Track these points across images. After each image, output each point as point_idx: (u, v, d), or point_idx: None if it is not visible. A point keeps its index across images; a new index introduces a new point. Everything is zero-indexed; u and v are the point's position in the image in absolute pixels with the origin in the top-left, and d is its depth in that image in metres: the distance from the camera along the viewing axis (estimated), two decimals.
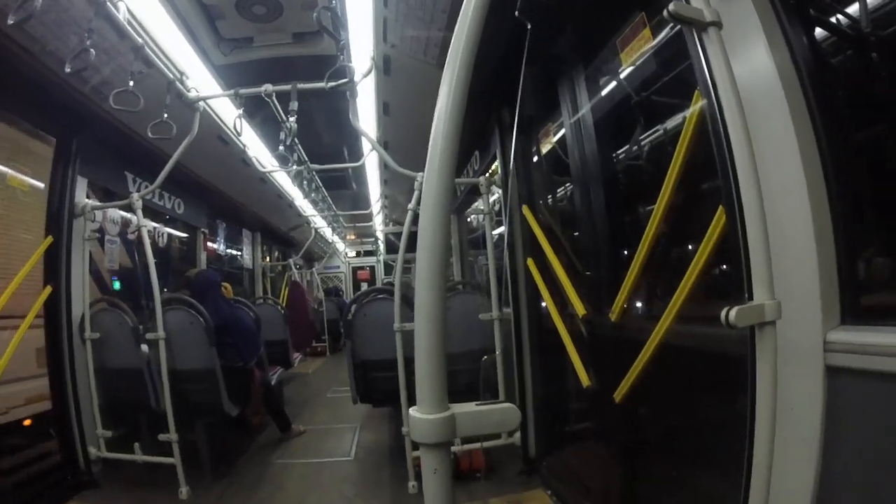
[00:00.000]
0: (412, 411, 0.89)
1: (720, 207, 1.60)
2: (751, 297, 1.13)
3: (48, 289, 3.53)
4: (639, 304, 2.38)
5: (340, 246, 15.89)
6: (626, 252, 2.50)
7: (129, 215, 4.53)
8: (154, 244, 4.84)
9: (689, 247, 2.01)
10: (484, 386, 3.66)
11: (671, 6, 1.23)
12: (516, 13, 1.09)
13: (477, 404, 0.92)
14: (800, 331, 1.26)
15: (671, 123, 2.41)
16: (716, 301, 1.90)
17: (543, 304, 3.31)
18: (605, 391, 2.49)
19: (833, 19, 1.61)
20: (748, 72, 1.41)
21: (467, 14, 0.93)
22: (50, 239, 3.59)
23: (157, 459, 3.60)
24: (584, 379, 2.75)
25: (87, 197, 3.97)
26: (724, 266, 1.83)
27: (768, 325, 1.10)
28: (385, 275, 15.40)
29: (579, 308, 2.79)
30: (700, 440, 2.17)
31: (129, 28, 2.83)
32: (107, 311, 3.86)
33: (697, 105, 1.76)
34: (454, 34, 0.93)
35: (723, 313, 1.07)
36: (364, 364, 4.11)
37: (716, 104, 1.44)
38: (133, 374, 3.77)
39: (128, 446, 3.70)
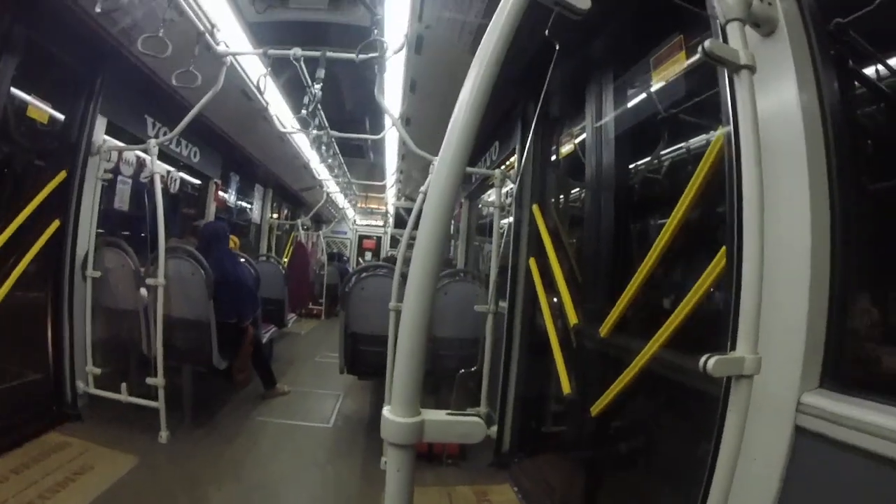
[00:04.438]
0: (385, 411, 0.90)
1: (723, 248, 1.60)
2: (733, 347, 1.12)
3: (56, 222, 3.55)
4: (630, 325, 2.39)
5: (350, 212, 15.91)
6: (626, 269, 2.49)
7: (144, 156, 4.53)
8: (165, 189, 4.86)
9: (688, 278, 2.00)
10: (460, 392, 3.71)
11: (707, 43, 1.18)
12: (546, 33, 1.06)
13: (448, 413, 0.94)
14: (776, 386, 1.27)
15: (690, 147, 2.39)
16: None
17: (539, 305, 3.32)
18: (584, 402, 2.53)
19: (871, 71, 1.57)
20: (774, 120, 1.37)
21: (505, 6, 0.90)
22: (63, 174, 3.59)
23: (142, 402, 3.66)
24: (566, 387, 2.78)
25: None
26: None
27: (745, 378, 1.10)
28: (391, 247, 15.44)
29: (572, 317, 2.81)
30: (664, 463, 2.21)
31: None
32: (110, 251, 3.90)
33: (719, 140, 1.74)
34: (490, 24, 0.91)
35: (701, 360, 1.06)
36: (355, 336, 4.16)
37: (733, 147, 1.43)
38: (128, 316, 3.84)
39: (114, 385, 3.76)
